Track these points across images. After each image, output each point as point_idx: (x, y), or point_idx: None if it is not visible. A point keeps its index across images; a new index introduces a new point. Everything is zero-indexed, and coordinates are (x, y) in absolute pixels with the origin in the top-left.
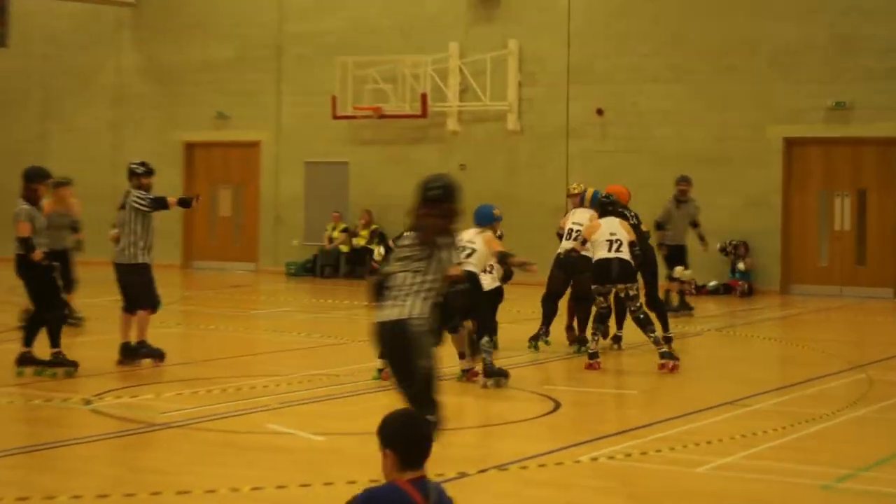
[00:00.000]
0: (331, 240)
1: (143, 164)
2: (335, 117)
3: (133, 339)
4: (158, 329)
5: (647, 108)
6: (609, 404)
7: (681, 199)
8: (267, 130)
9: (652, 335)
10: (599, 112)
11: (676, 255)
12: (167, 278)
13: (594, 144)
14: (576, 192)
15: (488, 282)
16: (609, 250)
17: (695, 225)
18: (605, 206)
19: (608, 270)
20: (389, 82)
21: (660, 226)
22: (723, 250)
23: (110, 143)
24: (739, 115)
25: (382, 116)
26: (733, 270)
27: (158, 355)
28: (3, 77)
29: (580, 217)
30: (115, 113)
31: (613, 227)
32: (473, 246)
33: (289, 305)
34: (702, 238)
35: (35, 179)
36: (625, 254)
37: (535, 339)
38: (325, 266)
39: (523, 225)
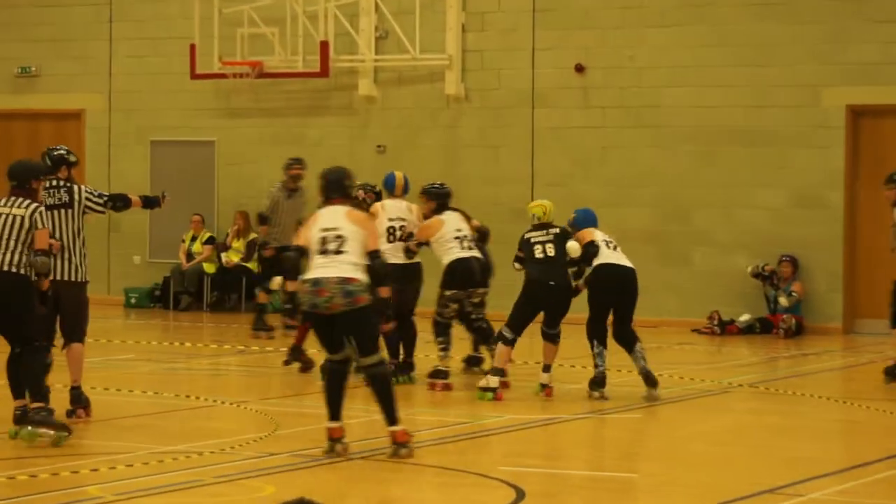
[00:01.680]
0: (190, 255)
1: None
2: (194, 76)
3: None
4: None
5: (650, 63)
6: (600, 495)
7: (291, 186)
8: (93, 93)
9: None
10: (579, 69)
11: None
12: None
13: (572, 116)
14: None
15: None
16: (462, 248)
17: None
18: (442, 196)
19: (470, 272)
20: (273, 25)
21: (264, 219)
22: (757, 275)
23: None
24: (784, 73)
25: (264, 75)
26: (773, 301)
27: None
28: None
29: (396, 210)
30: None
31: (457, 222)
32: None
33: (129, 351)
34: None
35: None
36: (477, 252)
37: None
38: (182, 293)
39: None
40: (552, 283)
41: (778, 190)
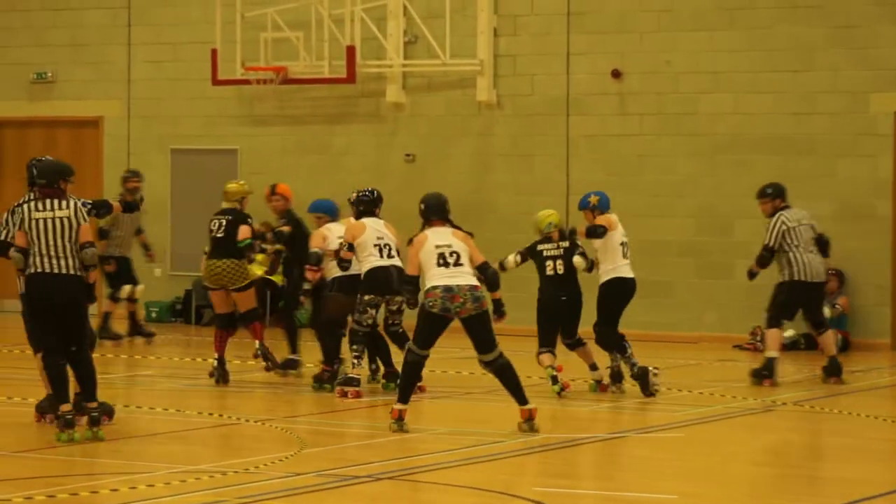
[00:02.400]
0: None
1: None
2: (216, 82)
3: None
4: None
5: (687, 68)
6: None
7: (129, 199)
8: (112, 100)
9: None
10: (616, 74)
11: (125, 271)
12: None
13: (608, 123)
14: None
15: None
16: (381, 257)
17: (139, 232)
18: (366, 203)
19: (388, 279)
20: (298, 29)
21: (104, 234)
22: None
23: None
24: (829, 78)
25: (288, 81)
26: None
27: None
28: None
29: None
30: None
31: (381, 229)
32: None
33: (149, 367)
34: (146, 247)
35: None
36: (398, 260)
37: (325, 381)
38: (205, 307)
39: (500, 243)
40: (563, 297)
41: (822, 201)
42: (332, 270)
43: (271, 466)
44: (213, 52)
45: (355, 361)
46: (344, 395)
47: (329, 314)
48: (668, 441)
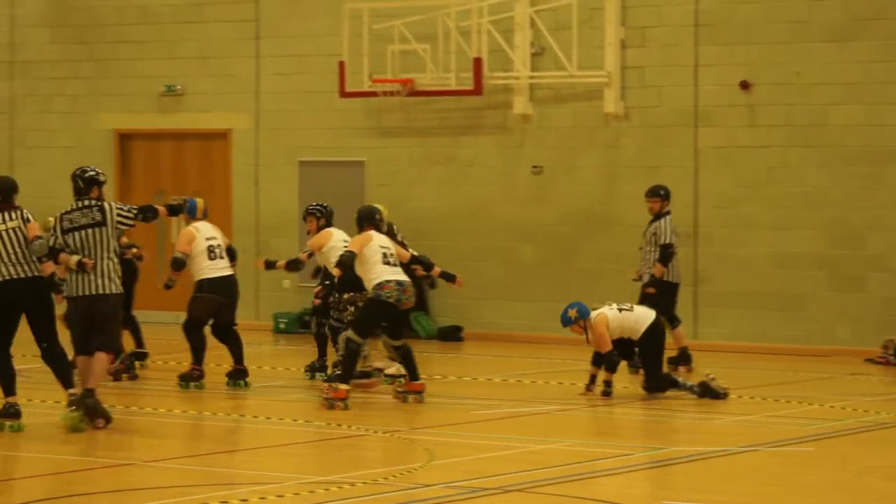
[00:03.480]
0: None
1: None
2: (344, 94)
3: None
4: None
5: (818, 80)
6: None
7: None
8: (241, 113)
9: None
10: (744, 86)
11: None
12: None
13: (737, 135)
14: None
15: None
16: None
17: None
18: (328, 215)
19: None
20: (425, 41)
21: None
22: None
23: (2, 133)
24: None
25: (415, 93)
26: None
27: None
28: None
29: (210, 231)
30: (7, 87)
31: (343, 235)
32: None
33: (279, 378)
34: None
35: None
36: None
37: (193, 380)
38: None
39: (627, 255)
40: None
41: None
42: (201, 272)
43: (399, 478)
44: (341, 64)
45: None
46: (367, 387)
47: (195, 315)
48: (799, 455)
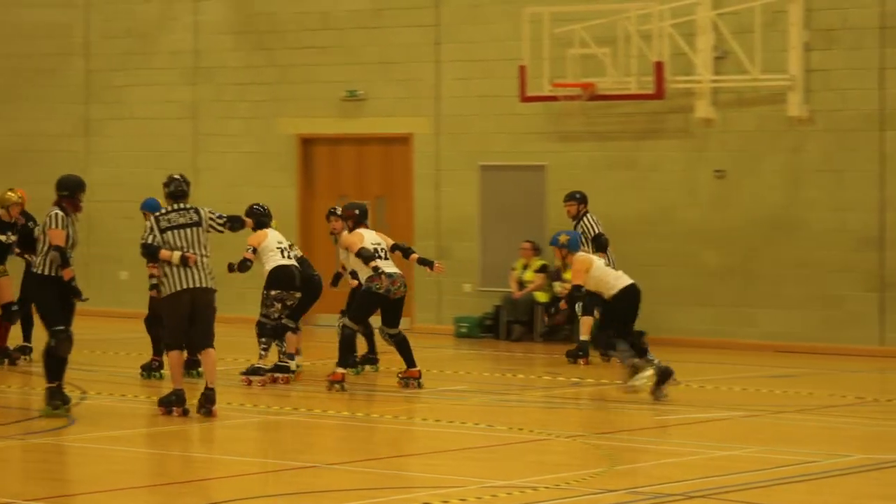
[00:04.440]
0: (521, 284)
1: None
2: (524, 99)
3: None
4: (246, 414)
5: None
6: None
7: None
8: (422, 118)
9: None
10: None
11: None
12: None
13: None
14: None
15: None
16: (283, 257)
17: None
18: (262, 216)
19: (291, 277)
20: (606, 45)
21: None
22: None
23: (186, 138)
24: None
25: (596, 97)
26: None
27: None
28: (33, 37)
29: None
30: (191, 92)
31: (279, 235)
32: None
33: (460, 382)
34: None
35: (81, 188)
36: (295, 262)
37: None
38: (514, 323)
39: (810, 260)
40: None
41: None
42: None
43: (582, 483)
44: (521, 68)
45: (262, 353)
46: (249, 383)
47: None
48: None
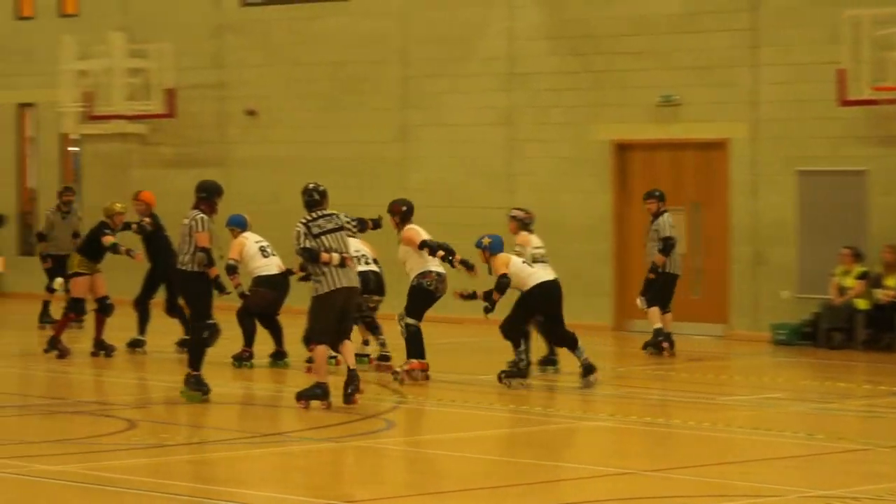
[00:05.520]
0: (841, 290)
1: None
2: (844, 103)
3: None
4: (565, 419)
5: None
6: None
7: (64, 209)
8: (738, 123)
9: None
10: None
11: (60, 267)
12: (594, 344)
13: None
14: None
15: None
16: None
17: (76, 235)
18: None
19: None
20: None
21: (42, 237)
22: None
23: (500, 144)
24: None
25: None
26: None
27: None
28: (352, 45)
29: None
30: (506, 98)
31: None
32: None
33: (778, 389)
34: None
35: (218, 193)
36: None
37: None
38: (833, 330)
39: None
40: None
41: None
42: (256, 270)
43: None
44: (841, 72)
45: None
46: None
47: (253, 306)
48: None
